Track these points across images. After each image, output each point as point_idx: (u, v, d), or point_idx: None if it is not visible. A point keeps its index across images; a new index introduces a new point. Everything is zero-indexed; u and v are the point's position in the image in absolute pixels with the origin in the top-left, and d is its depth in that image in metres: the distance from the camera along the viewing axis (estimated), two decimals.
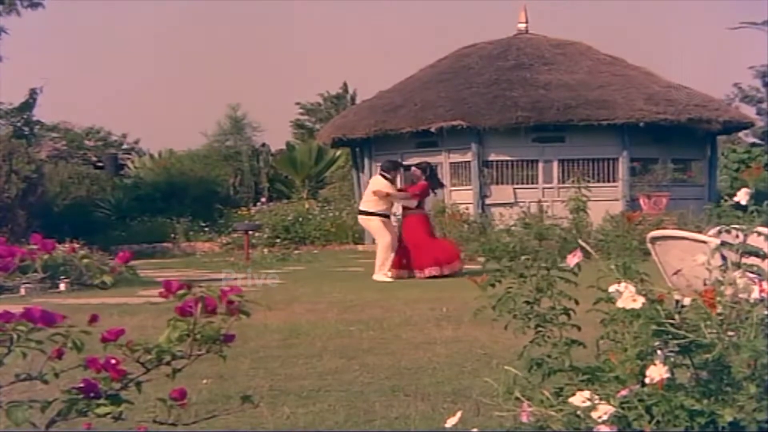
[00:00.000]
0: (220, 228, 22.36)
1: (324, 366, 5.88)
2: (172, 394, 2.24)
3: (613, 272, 2.46)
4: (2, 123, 25.68)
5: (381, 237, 12.89)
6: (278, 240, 20.63)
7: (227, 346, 2.24)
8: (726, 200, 2.64)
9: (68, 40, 67.10)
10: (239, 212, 24.33)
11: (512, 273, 2.73)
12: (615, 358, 2.34)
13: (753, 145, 31.56)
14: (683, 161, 20.85)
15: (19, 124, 25.65)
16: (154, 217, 23.25)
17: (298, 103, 41.57)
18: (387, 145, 19.98)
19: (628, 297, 2.33)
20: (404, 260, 12.79)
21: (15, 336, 2.07)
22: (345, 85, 40.88)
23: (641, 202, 18.63)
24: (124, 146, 37.01)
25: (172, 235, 22.00)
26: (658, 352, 2.33)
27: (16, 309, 2.14)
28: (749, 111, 31.60)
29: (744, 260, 2.45)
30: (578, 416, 2.23)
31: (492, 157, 19.53)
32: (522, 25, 22.25)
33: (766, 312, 2.28)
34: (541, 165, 19.52)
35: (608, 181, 19.39)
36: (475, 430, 2.73)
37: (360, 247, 20.37)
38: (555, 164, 19.46)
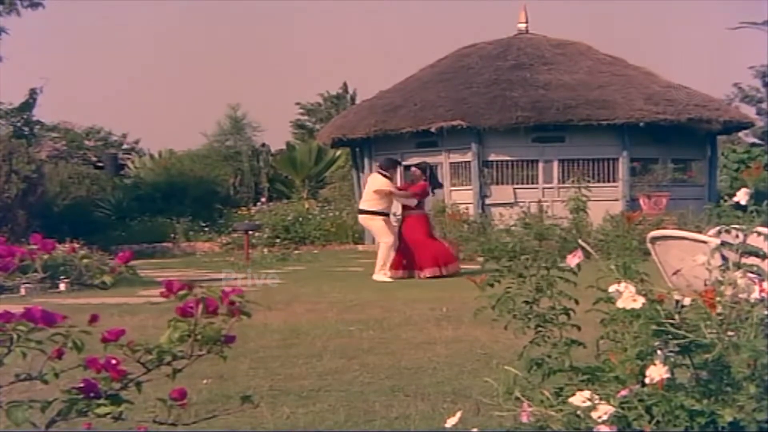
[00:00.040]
0: (220, 228, 22.37)
1: (324, 366, 5.88)
2: (172, 394, 2.24)
3: (613, 272, 2.46)
4: (2, 123, 25.70)
5: (384, 237, 12.88)
6: (278, 240, 20.63)
7: (228, 347, 2.24)
8: (726, 200, 2.64)
9: (68, 40, 67.12)
10: (239, 212, 24.34)
11: (511, 273, 2.73)
12: (615, 358, 2.34)
13: (753, 145, 31.57)
14: (683, 161, 20.86)
15: (19, 124, 25.67)
16: (154, 217, 23.26)
17: (298, 103, 41.61)
18: (387, 145, 19.97)
19: (628, 297, 2.33)
20: (404, 260, 12.79)
21: (15, 336, 2.07)
22: (345, 85, 40.91)
23: (641, 202, 18.64)
24: (124, 146, 36.97)
25: (172, 235, 22.01)
26: (658, 352, 2.33)
27: (17, 309, 2.14)
28: (749, 111, 31.62)
29: (744, 260, 2.45)
30: (578, 416, 2.23)
31: (492, 157, 19.53)
32: (522, 25, 22.25)
33: (766, 312, 2.28)
34: (541, 165, 19.52)
35: (608, 181, 19.40)
36: (475, 430, 2.73)
37: (360, 247, 20.37)
38: (555, 164, 19.46)
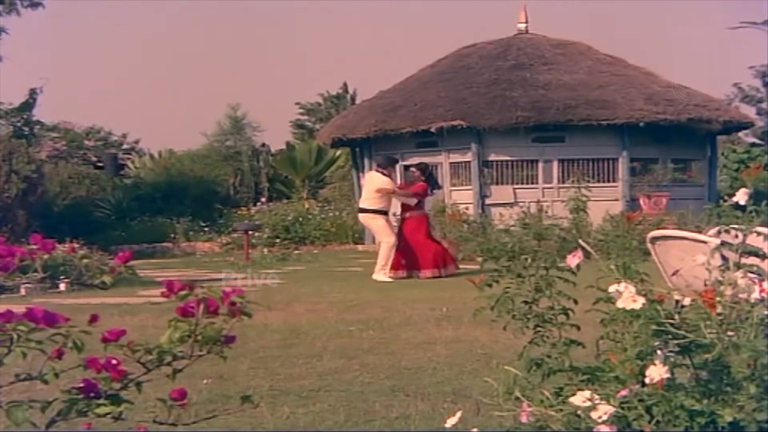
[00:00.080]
0: (220, 228, 22.37)
1: (324, 366, 5.89)
2: (172, 394, 2.24)
3: (613, 272, 2.46)
4: (2, 123, 25.70)
5: (385, 237, 12.86)
6: (278, 240, 20.63)
7: (228, 347, 2.24)
8: (726, 200, 2.63)
9: (68, 40, 67.09)
10: (239, 212, 24.33)
11: (510, 273, 2.73)
12: (615, 358, 2.34)
13: (753, 145, 31.57)
14: (683, 161, 20.85)
15: (19, 124, 25.66)
16: (154, 217, 23.26)
17: (298, 103, 41.61)
18: (387, 145, 19.97)
19: (629, 297, 2.33)
20: (404, 260, 12.79)
21: (15, 336, 2.07)
22: (345, 85, 40.92)
23: (641, 202, 18.64)
24: (124, 146, 36.96)
25: (172, 235, 22.01)
26: (658, 352, 2.33)
27: (17, 309, 2.14)
28: (749, 111, 31.62)
29: (744, 260, 2.45)
30: (578, 416, 2.23)
31: (492, 157, 19.53)
32: (522, 25, 22.25)
33: (766, 312, 2.28)
34: (541, 165, 19.51)
35: (608, 181, 19.39)
36: (475, 430, 2.73)
37: (360, 247, 20.37)
38: (555, 164, 19.46)
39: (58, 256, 9.01)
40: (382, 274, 12.59)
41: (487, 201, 19.37)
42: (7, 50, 25.95)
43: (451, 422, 2.55)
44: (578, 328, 2.69)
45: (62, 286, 11.22)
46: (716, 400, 2.24)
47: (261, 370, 5.72)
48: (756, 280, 2.34)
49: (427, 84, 20.86)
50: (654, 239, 6.22)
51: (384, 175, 13.06)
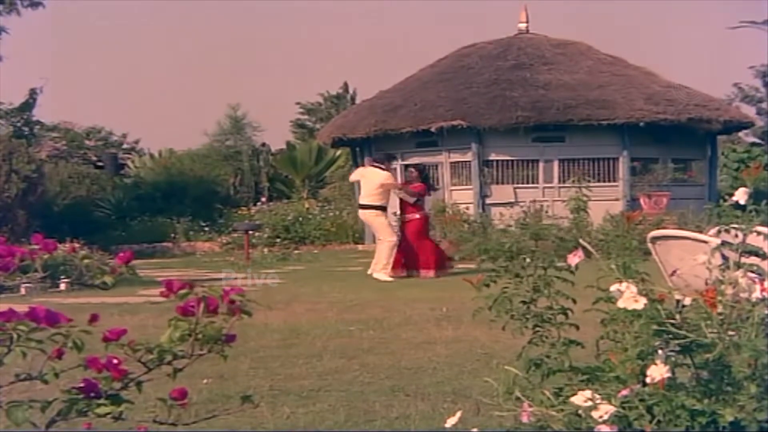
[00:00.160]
0: (220, 228, 22.37)
1: (324, 366, 5.88)
2: (173, 394, 2.23)
3: (614, 272, 2.46)
4: (2, 123, 25.71)
5: (387, 236, 12.82)
6: (278, 240, 20.64)
7: (228, 346, 2.24)
8: (726, 200, 2.63)
9: (68, 40, 67.10)
10: (239, 212, 24.35)
11: (508, 273, 2.72)
12: (615, 358, 2.33)
13: (753, 144, 31.58)
14: (683, 161, 20.86)
15: (19, 124, 25.67)
16: (154, 216, 23.27)
17: (298, 103, 41.62)
18: (387, 145, 19.94)
19: (630, 297, 2.32)
20: (404, 260, 12.78)
21: (15, 335, 2.07)
22: (345, 85, 40.91)
23: (642, 201, 18.64)
24: (125, 146, 36.96)
25: (172, 235, 22.02)
26: (659, 351, 2.32)
27: (17, 308, 2.14)
28: (749, 111, 31.60)
29: (744, 260, 2.45)
30: (579, 416, 2.23)
31: (492, 157, 19.54)
32: (522, 25, 22.25)
33: (766, 311, 2.28)
34: (541, 165, 19.52)
35: (608, 181, 19.40)
36: (475, 430, 2.73)
37: (360, 247, 20.37)
38: (555, 164, 19.46)
39: (58, 255, 8.98)
40: (383, 273, 12.57)
41: (488, 201, 19.38)
42: (7, 50, 25.97)
43: (451, 422, 2.55)
44: (577, 327, 2.69)
45: (62, 286, 11.22)
46: (717, 399, 2.23)
47: (261, 370, 5.72)
48: (756, 280, 2.34)
49: (427, 84, 20.87)
50: (654, 239, 6.22)
51: (382, 170, 13.00)
